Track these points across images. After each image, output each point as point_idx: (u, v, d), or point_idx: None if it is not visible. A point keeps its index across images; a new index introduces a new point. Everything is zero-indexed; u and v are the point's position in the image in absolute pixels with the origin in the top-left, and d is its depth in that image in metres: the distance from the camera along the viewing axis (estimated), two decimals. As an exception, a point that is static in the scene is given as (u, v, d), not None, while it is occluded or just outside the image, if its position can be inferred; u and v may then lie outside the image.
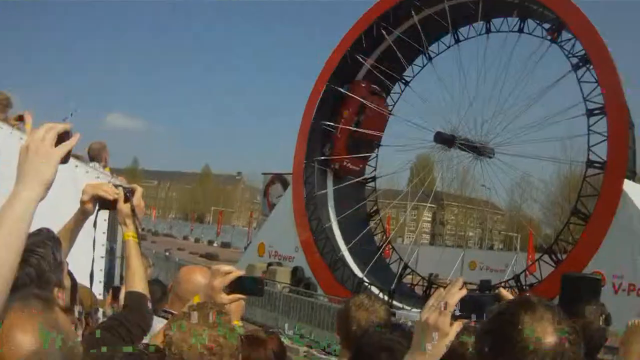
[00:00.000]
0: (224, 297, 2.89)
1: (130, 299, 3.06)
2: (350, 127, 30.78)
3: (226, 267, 3.02)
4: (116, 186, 3.19)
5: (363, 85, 30.91)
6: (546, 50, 25.86)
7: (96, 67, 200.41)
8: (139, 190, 3.20)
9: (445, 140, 28.50)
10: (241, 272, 3.02)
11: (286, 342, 18.63)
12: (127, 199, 3.13)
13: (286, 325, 21.10)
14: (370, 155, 32.96)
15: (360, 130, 30.69)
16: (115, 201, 3.11)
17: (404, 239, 77.18)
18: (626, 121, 22.14)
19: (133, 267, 3.11)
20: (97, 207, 3.14)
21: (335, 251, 29.49)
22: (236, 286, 2.95)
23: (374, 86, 31.16)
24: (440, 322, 1.96)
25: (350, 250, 29.84)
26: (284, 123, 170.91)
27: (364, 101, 30.47)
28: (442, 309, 1.98)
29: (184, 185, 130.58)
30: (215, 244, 67.67)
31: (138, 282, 3.09)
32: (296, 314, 21.25)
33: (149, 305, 3.10)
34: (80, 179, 5.41)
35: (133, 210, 3.13)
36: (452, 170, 40.44)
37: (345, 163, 31.28)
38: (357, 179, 31.89)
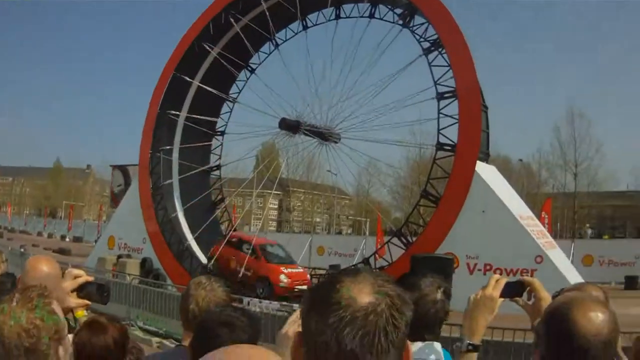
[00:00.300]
0: (72, 300, 3.05)
1: None
2: (192, 116, 30.49)
3: (76, 271, 3.19)
4: None
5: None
6: (397, 35, 26.09)
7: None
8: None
9: (290, 126, 28.56)
10: (89, 278, 3.20)
11: (139, 334, 18.27)
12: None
13: (138, 317, 20.57)
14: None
15: (197, 117, 30.36)
16: None
17: (250, 226, 77.08)
18: (478, 103, 22.65)
19: None
20: None
21: (182, 241, 29.28)
22: (85, 290, 3.12)
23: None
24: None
25: (197, 240, 29.63)
26: (134, 114, 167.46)
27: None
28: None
29: (37, 180, 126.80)
30: (67, 239, 66.67)
31: None
32: (147, 305, 20.80)
33: None
34: None
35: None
36: (297, 156, 40.64)
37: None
38: (202, 168, 31.59)
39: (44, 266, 3.55)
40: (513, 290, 2.91)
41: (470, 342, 2.76)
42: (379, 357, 1.47)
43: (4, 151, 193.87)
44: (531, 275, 19.92)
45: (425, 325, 3.22)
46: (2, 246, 29.07)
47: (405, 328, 1.52)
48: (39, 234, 75.60)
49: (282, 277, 25.39)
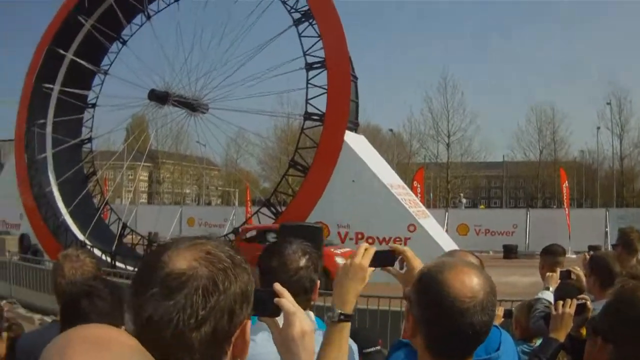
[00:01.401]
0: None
1: None
2: (65, 89, 29.64)
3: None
4: None
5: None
6: (268, 6, 25.99)
7: None
8: None
9: (158, 97, 28.38)
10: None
11: (21, 311, 17.76)
12: None
13: (20, 294, 20.04)
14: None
15: (69, 90, 29.57)
16: None
17: (122, 199, 75.60)
18: (347, 74, 22.90)
19: None
20: None
21: (57, 216, 28.68)
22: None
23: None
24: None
25: (71, 214, 29.07)
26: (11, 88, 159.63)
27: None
28: None
29: None
30: None
31: None
32: (27, 283, 20.16)
33: None
34: None
35: None
36: (166, 127, 40.10)
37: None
38: (74, 141, 30.75)
39: None
40: (384, 260, 2.85)
41: (342, 312, 2.66)
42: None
43: None
44: (404, 244, 20.56)
45: (291, 294, 3.13)
46: None
47: (233, 293, 1.46)
48: None
49: (339, 260, 23.99)
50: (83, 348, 1.09)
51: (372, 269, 2.75)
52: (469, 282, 2.05)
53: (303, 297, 3.14)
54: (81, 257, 3.66)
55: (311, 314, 3.14)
